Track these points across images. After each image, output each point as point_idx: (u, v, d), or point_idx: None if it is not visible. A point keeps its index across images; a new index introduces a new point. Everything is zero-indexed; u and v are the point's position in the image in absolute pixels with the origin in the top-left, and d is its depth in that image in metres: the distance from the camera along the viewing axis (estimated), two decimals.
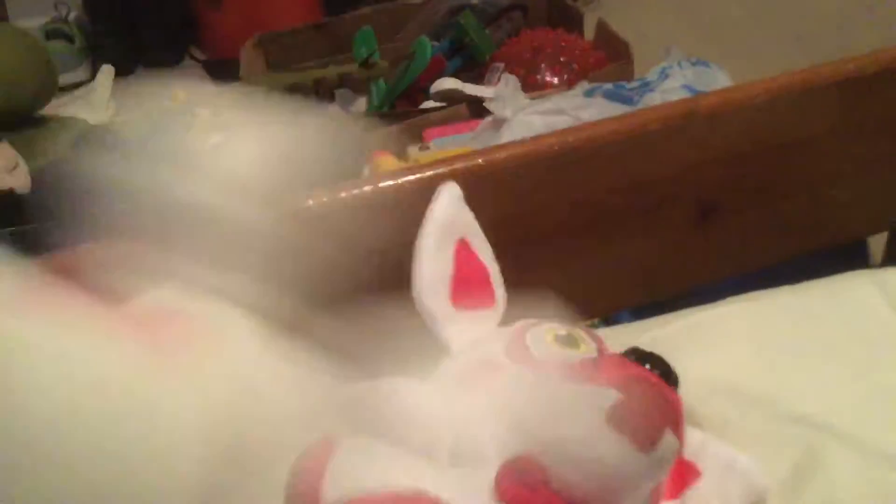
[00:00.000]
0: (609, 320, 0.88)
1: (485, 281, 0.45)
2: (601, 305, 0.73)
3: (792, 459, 0.45)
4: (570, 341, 0.39)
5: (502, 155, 0.61)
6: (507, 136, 1.06)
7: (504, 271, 0.46)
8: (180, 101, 1.09)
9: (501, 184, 0.61)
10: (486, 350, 0.40)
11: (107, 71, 1.32)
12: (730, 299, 0.56)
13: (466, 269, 0.44)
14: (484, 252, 0.46)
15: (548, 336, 0.39)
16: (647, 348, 0.52)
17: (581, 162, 0.63)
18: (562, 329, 0.40)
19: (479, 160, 0.60)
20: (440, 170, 0.59)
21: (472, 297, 0.43)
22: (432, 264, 0.43)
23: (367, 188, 0.58)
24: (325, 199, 0.57)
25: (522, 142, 0.63)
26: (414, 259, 0.43)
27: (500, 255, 0.46)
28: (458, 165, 0.60)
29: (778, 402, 0.48)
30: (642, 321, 0.57)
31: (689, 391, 0.50)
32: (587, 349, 0.39)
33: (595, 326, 0.86)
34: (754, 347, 0.52)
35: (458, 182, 0.62)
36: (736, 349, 0.52)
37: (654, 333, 0.54)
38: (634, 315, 0.88)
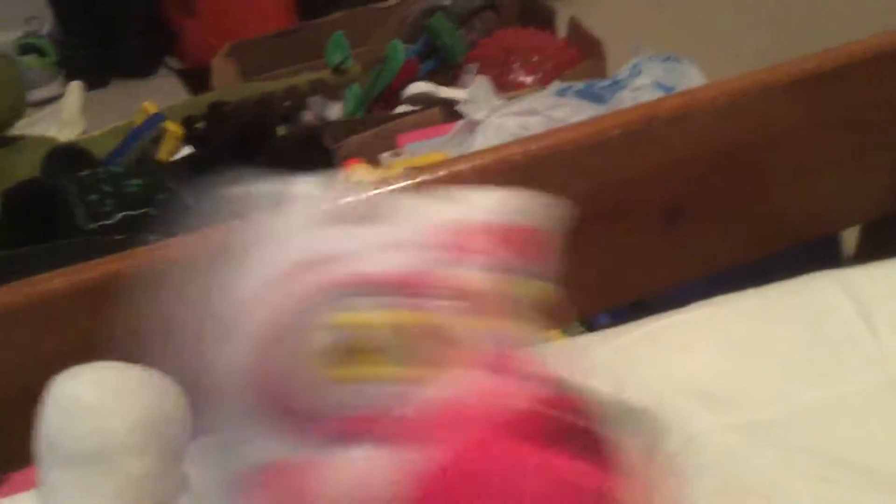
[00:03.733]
0: (589, 323, 0.88)
1: None
2: (571, 312, 0.73)
3: (754, 465, 0.45)
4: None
5: (464, 167, 0.60)
6: (480, 139, 1.06)
7: None
8: (149, 114, 1.08)
9: None
10: None
11: (75, 87, 1.31)
12: (693, 305, 0.56)
13: None
14: None
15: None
16: (609, 358, 0.52)
17: (544, 170, 0.63)
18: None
19: (442, 172, 0.60)
20: (403, 183, 0.59)
21: None
22: None
23: None
24: None
25: (485, 152, 0.63)
26: None
27: None
28: (422, 178, 0.60)
29: (738, 408, 0.48)
30: (604, 330, 0.56)
31: (652, 395, 0.50)
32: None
33: (573, 332, 0.86)
34: (716, 354, 0.52)
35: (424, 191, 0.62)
36: (698, 356, 0.52)
37: (617, 342, 0.54)
38: (613, 317, 0.88)
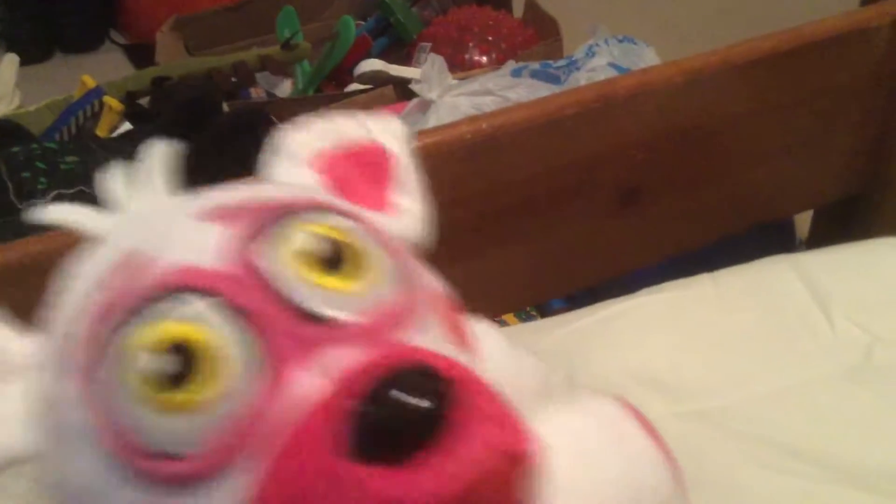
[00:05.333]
0: (542, 308, 0.87)
1: None
2: (525, 296, 0.71)
3: (706, 455, 0.43)
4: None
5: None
6: (433, 119, 1.03)
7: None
8: (88, 88, 1.03)
9: None
10: None
11: (9, 60, 1.26)
12: (646, 290, 0.55)
13: None
14: None
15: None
16: (560, 344, 0.50)
17: (496, 150, 0.61)
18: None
19: None
20: None
21: None
22: None
23: None
24: None
25: (433, 130, 0.60)
26: None
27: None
28: None
29: (691, 396, 0.47)
30: (555, 317, 0.55)
31: (604, 384, 0.48)
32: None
33: (525, 317, 0.85)
34: (669, 340, 0.51)
35: None
36: (650, 343, 0.51)
37: (569, 328, 0.52)
38: (568, 301, 0.86)
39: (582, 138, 0.62)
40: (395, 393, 0.24)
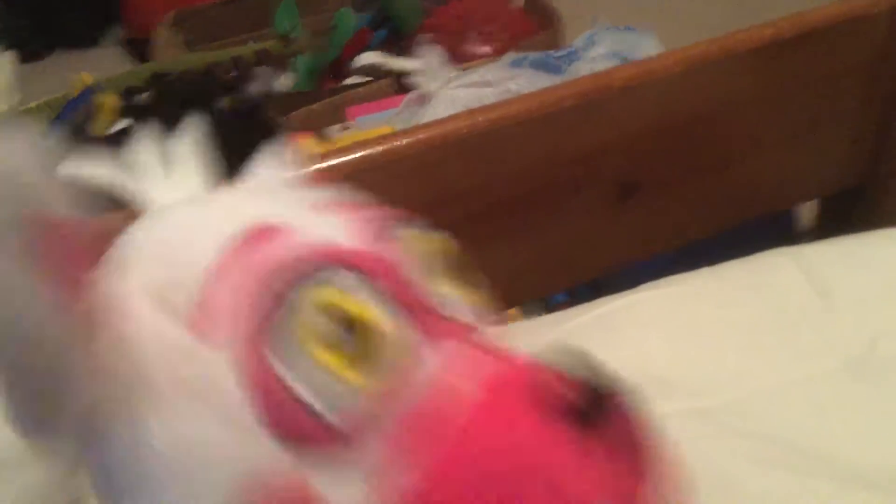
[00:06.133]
0: (546, 302, 0.86)
1: None
2: (525, 291, 0.70)
3: (706, 453, 0.43)
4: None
5: (405, 141, 0.57)
6: (430, 112, 1.02)
7: None
8: (86, 86, 1.03)
9: (410, 171, 0.58)
10: None
11: (8, 57, 1.25)
12: (646, 285, 0.54)
13: None
14: None
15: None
16: (561, 341, 0.49)
17: (493, 144, 0.60)
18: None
19: (380, 148, 0.57)
20: (336, 160, 0.55)
21: None
22: None
23: None
24: None
25: (429, 125, 0.60)
26: None
27: None
28: (361, 153, 0.57)
29: (692, 393, 0.46)
30: (553, 314, 0.54)
31: None
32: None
33: (531, 311, 0.84)
34: (670, 336, 0.50)
35: (362, 169, 0.59)
36: (651, 339, 0.50)
37: (568, 325, 0.52)
38: (571, 295, 0.86)
39: (580, 131, 0.61)
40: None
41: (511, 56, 1.09)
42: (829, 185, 0.73)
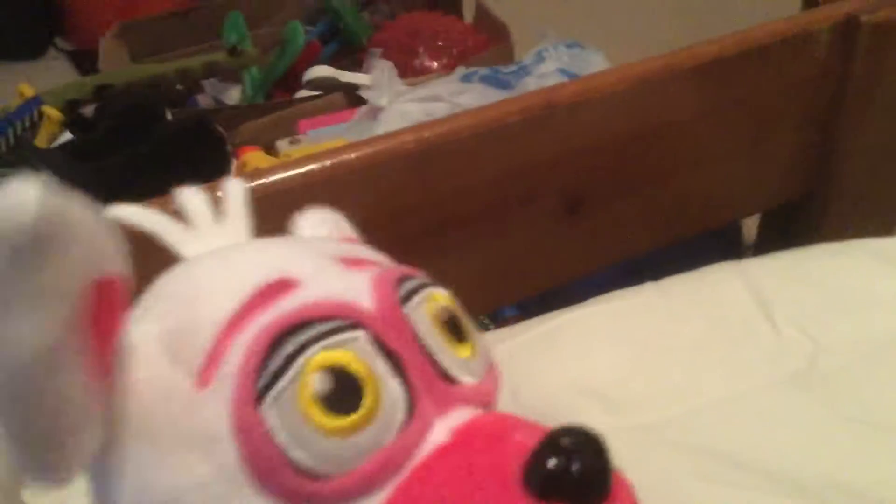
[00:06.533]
0: (494, 316, 0.86)
1: None
2: (473, 305, 0.70)
3: (650, 469, 0.43)
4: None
5: (353, 155, 0.57)
6: (383, 125, 1.02)
7: None
8: (26, 98, 1.00)
9: (356, 186, 0.57)
10: None
11: None
12: (592, 300, 0.54)
13: None
14: None
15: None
16: (506, 358, 0.49)
17: (441, 158, 0.60)
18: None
19: (328, 162, 0.56)
20: (284, 174, 0.55)
21: None
22: None
23: None
24: None
25: (376, 139, 0.59)
26: None
27: None
28: (309, 167, 0.56)
29: (636, 409, 0.46)
30: (499, 330, 0.54)
31: (548, 398, 0.47)
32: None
33: (484, 324, 0.84)
34: (615, 352, 0.50)
35: (311, 183, 0.58)
36: (595, 354, 0.50)
37: (517, 341, 0.51)
38: (520, 309, 0.86)
39: (527, 146, 0.61)
40: (571, 443, 0.25)
41: (461, 71, 1.09)
42: (773, 199, 0.74)
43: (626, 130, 0.63)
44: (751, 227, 0.81)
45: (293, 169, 0.56)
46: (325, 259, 0.31)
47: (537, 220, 0.65)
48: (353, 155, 0.57)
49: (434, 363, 0.29)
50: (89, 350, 0.25)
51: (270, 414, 0.26)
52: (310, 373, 0.26)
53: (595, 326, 0.52)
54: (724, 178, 0.69)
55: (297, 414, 0.26)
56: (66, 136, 1.01)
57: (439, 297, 0.31)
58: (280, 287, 0.28)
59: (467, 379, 0.30)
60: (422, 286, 0.31)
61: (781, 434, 0.44)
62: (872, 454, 0.43)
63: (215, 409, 0.26)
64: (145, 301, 0.31)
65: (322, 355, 0.26)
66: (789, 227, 0.74)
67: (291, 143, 0.99)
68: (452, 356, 0.30)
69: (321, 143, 0.99)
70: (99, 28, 1.43)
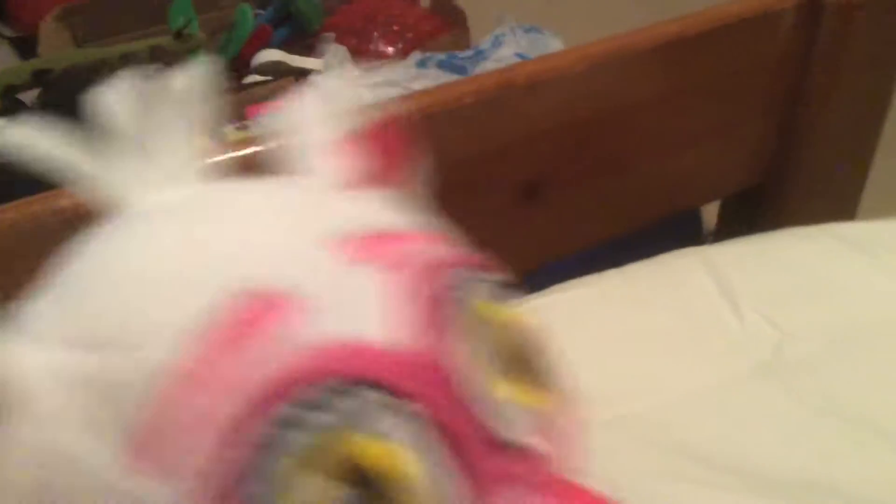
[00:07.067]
0: None
1: None
2: None
3: (615, 464, 0.40)
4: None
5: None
6: None
7: None
8: None
9: None
10: None
11: None
12: (553, 288, 0.52)
13: None
14: None
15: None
16: None
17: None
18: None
19: (273, 144, 0.53)
20: (229, 155, 0.51)
21: None
22: None
23: None
24: None
25: None
26: None
27: None
28: (254, 149, 0.53)
29: (602, 403, 0.43)
30: None
31: None
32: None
33: None
34: (577, 342, 0.47)
35: (256, 166, 0.55)
36: (559, 345, 0.47)
37: None
38: None
39: (482, 128, 0.58)
40: None
41: (417, 56, 1.06)
42: (735, 184, 0.72)
43: (586, 112, 0.61)
44: (711, 212, 0.79)
45: (240, 149, 0.52)
46: (323, 247, 0.22)
47: (494, 206, 0.62)
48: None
49: (485, 427, 0.20)
50: None
51: None
52: (303, 472, 0.17)
53: (558, 316, 0.49)
54: (685, 162, 0.67)
55: None
56: (2, 122, 0.96)
57: (496, 313, 0.22)
58: (258, 309, 0.19)
59: (532, 441, 0.22)
60: (471, 281, 0.22)
61: (749, 429, 0.42)
62: (840, 448, 0.41)
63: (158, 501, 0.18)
64: (45, 298, 0.21)
65: (322, 441, 0.18)
66: (751, 213, 0.72)
67: (238, 128, 0.96)
68: (512, 409, 0.21)
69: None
70: (41, 13, 1.37)
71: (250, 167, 0.52)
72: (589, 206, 0.65)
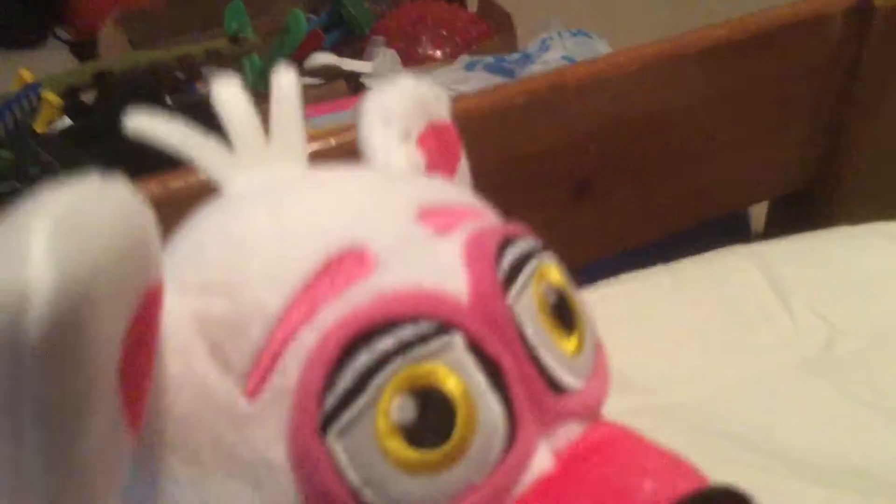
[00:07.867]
0: None
1: None
2: None
3: (665, 442, 0.42)
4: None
5: (351, 137, 0.56)
6: None
7: None
8: (25, 83, 0.99)
9: None
10: None
11: None
12: (601, 283, 0.53)
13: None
14: None
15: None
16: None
17: None
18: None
19: (332, 141, 0.55)
20: None
21: None
22: None
23: None
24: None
25: None
26: None
27: None
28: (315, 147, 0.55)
29: (650, 391, 0.45)
30: None
31: None
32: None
33: None
34: (625, 334, 0.49)
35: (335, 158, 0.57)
36: (606, 336, 0.49)
37: None
38: None
39: (533, 129, 0.60)
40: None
41: (465, 60, 1.08)
42: (783, 186, 0.73)
43: (635, 113, 0.62)
44: (759, 214, 0.80)
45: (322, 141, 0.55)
46: (406, 216, 0.25)
47: (544, 204, 0.63)
48: (352, 136, 0.56)
49: (541, 369, 0.23)
50: (125, 390, 0.20)
51: (339, 446, 0.20)
52: (390, 396, 0.20)
53: (606, 309, 0.51)
54: (733, 164, 0.68)
55: (373, 448, 0.20)
56: (65, 122, 1.00)
57: (550, 272, 0.26)
58: (350, 263, 0.23)
59: (575, 383, 0.25)
60: (529, 255, 0.25)
61: (796, 418, 0.43)
62: (886, 440, 0.42)
63: (269, 429, 0.21)
64: (173, 256, 0.25)
65: (406, 372, 0.21)
66: (798, 215, 0.73)
67: None
68: (561, 356, 0.24)
69: (322, 130, 0.98)
70: (99, 18, 1.42)
71: (334, 156, 0.54)
72: (637, 205, 0.66)
